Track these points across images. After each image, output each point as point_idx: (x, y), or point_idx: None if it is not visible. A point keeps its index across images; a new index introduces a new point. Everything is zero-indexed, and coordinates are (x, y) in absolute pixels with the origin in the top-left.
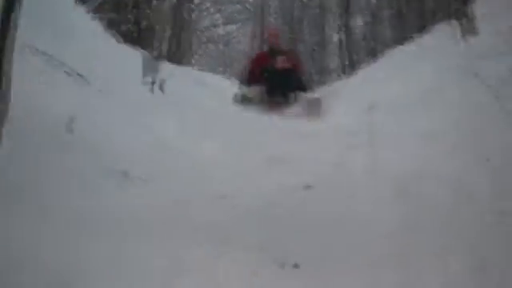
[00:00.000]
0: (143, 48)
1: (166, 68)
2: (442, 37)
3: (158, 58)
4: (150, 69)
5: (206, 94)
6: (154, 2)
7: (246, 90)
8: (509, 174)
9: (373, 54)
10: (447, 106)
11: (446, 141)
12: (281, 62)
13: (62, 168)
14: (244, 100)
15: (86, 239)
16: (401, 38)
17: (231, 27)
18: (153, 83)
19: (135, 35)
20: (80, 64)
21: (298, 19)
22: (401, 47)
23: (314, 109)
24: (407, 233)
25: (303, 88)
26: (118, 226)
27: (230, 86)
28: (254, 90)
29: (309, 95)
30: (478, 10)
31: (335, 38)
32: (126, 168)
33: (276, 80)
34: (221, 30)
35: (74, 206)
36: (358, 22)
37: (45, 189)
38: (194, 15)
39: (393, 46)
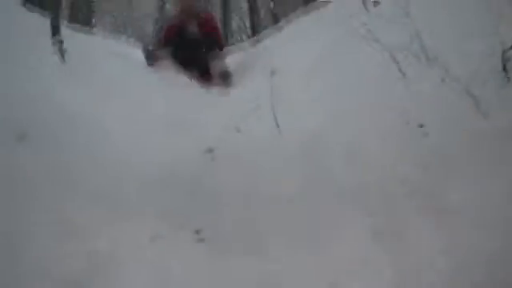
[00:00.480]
0: (44, 10)
1: (67, 32)
2: (343, 3)
3: (58, 21)
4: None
5: (108, 59)
6: None
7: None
8: (401, 136)
9: (274, 16)
10: (346, 71)
11: (343, 104)
12: (190, 31)
13: None
14: (150, 57)
15: None
16: (302, 3)
17: None
18: (53, 44)
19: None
20: None
21: None
22: (302, 10)
23: (225, 81)
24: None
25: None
26: (10, 186)
27: (132, 50)
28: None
29: (219, 66)
30: None
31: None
32: (24, 133)
33: (186, 48)
34: None
35: None
36: None
37: None
38: None
39: (294, 11)
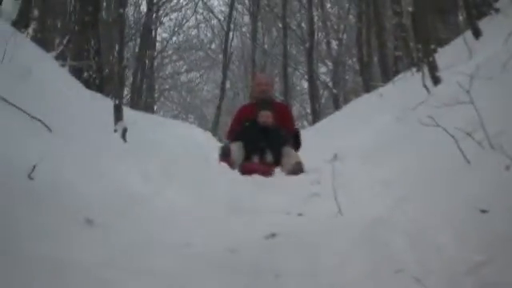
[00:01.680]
0: (105, 95)
1: (129, 115)
2: (404, 86)
3: (121, 105)
4: (113, 116)
5: (169, 141)
6: (116, 50)
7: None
8: (465, 222)
9: (336, 102)
10: (409, 157)
11: (406, 190)
12: (263, 117)
13: (24, 219)
14: (223, 154)
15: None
16: (365, 86)
17: (194, 74)
18: (115, 131)
19: (97, 82)
20: (42, 110)
21: (260, 67)
22: (364, 96)
23: (298, 168)
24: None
25: (281, 146)
26: (84, 274)
27: (192, 133)
28: (234, 146)
29: (290, 158)
30: (440, 59)
31: (299, 85)
32: (90, 216)
33: (256, 135)
34: (183, 77)
35: (39, 256)
36: (321, 69)
37: (10, 240)
38: (156, 62)
39: (356, 95)
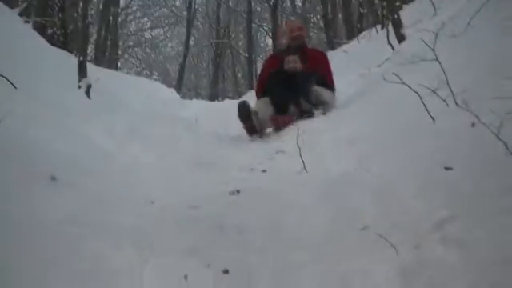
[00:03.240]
0: (69, 52)
1: (93, 72)
2: (368, 43)
3: (85, 61)
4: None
5: (132, 98)
6: (81, 6)
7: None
8: (429, 179)
9: None
10: (374, 115)
11: (370, 147)
12: (289, 63)
13: None
14: (241, 115)
15: (13, 245)
16: (329, 44)
17: (158, 31)
18: (79, 87)
19: (61, 39)
20: (6, 67)
21: (225, 24)
22: (328, 53)
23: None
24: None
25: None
26: (45, 230)
27: (156, 89)
28: (260, 104)
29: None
30: (405, 16)
31: (263, 43)
32: (54, 173)
33: (283, 84)
34: (147, 34)
35: (3, 212)
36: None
37: None
38: (120, 19)
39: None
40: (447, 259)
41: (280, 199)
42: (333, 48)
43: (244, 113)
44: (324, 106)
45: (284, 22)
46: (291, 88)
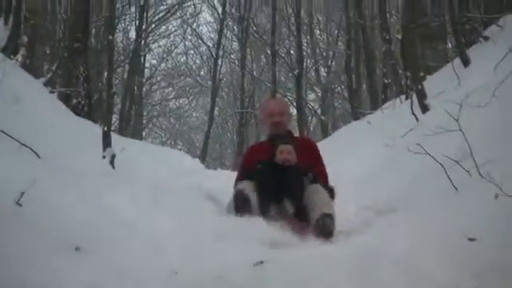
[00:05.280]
0: (94, 121)
1: (117, 142)
2: (392, 113)
3: (109, 131)
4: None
5: (156, 168)
6: (105, 76)
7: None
8: (456, 250)
9: (324, 129)
10: (398, 183)
11: (392, 216)
12: (283, 154)
13: (12, 244)
14: (238, 204)
15: None
16: (353, 114)
17: (183, 101)
18: (104, 157)
19: (86, 109)
20: (31, 136)
21: (249, 93)
22: (352, 123)
23: (323, 232)
24: None
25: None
26: None
27: (180, 159)
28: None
29: (316, 206)
30: (429, 87)
31: None
32: (77, 242)
33: (271, 179)
34: (172, 104)
35: (26, 283)
36: (310, 96)
37: None
38: (144, 89)
39: (345, 122)
40: None
41: (305, 271)
42: (357, 118)
43: (241, 200)
44: (322, 219)
45: (263, 103)
46: (279, 184)
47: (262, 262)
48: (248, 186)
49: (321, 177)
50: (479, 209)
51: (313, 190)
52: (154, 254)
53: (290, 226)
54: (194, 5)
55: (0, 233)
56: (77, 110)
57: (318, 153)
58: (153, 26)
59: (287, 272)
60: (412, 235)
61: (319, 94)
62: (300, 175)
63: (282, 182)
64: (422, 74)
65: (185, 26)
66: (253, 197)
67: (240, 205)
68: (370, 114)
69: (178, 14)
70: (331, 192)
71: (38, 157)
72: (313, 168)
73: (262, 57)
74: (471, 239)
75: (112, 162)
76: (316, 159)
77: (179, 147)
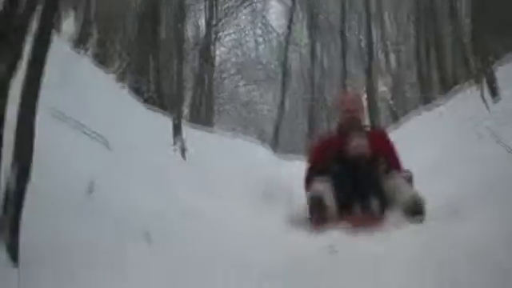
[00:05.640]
0: (165, 110)
1: (188, 132)
2: (462, 101)
3: (180, 124)
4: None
5: (227, 160)
6: (175, 67)
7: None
8: None
9: (394, 116)
10: (468, 170)
11: (464, 204)
12: (356, 144)
13: (83, 234)
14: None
15: None
16: (423, 99)
17: (252, 89)
18: (175, 149)
19: (157, 99)
20: (102, 128)
21: (319, 84)
22: (423, 114)
23: (414, 216)
24: None
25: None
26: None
27: (250, 148)
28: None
29: (403, 192)
30: (498, 75)
31: None
32: (148, 231)
33: (348, 173)
34: (242, 92)
35: (96, 273)
36: (380, 85)
37: (67, 256)
38: (215, 77)
39: (415, 108)
40: None
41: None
42: (426, 103)
43: (318, 205)
44: (412, 200)
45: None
46: (357, 180)
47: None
48: (324, 188)
49: (395, 166)
50: None
51: (393, 181)
52: (222, 244)
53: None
54: None
55: (72, 221)
56: (148, 102)
57: (390, 143)
58: (223, 15)
59: (357, 259)
60: (484, 224)
61: (389, 83)
62: (375, 165)
63: (357, 175)
64: (490, 58)
65: (254, 15)
66: (330, 201)
67: (317, 213)
68: (440, 104)
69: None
70: (409, 180)
71: (109, 148)
72: (386, 158)
73: (332, 46)
74: None
75: (183, 154)
76: (389, 149)
77: (249, 135)
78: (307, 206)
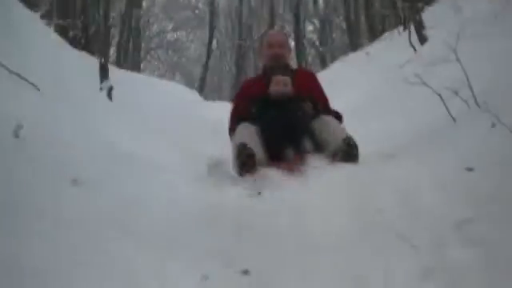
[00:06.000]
0: (91, 54)
1: (115, 74)
2: (390, 44)
3: (107, 63)
4: (99, 75)
5: (154, 100)
6: (103, 8)
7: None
8: (452, 179)
9: (323, 60)
10: (395, 113)
11: (392, 147)
12: (278, 85)
13: (9, 176)
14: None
15: (37, 240)
16: (351, 45)
17: (181, 33)
18: (101, 89)
19: (83, 41)
20: (28, 69)
21: (247, 26)
22: (350, 55)
23: (350, 149)
24: None
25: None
26: (68, 230)
27: (178, 92)
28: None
29: (333, 133)
30: (427, 18)
31: None
32: (76, 175)
33: (274, 116)
34: (170, 36)
35: (30, 220)
36: (308, 28)
37: None
38: (142, 21)
39: (343, 53)
40: (466, 259)
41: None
42: (355, 50)
43: (245, 154)
44: (346, 142)
45: (263, 34)
46: (285, 122)
47: (259, 193)
48: (249, 134)
49: (324, 107)
50: (477, 138)
51: (323, 121)
52: (153, 187)
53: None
54: None
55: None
56: (74, 43)
57: (317, 82)
58: None
59: (287, 206)
60: (411, 165)
61: (317, 26)
62: (302, 106)
63: (284, 119)
64: (420, 4)
65: None
66: (257, 147)
67: (245, 162)
68: (368, 46)
69: None
70: (339, 118)
71: (37, 89)
72: (314, 98)
73: None
74: (469, 169)
75: (110, 94)
76: (317, 89)
77: (177, 79)
78: (233, 155)
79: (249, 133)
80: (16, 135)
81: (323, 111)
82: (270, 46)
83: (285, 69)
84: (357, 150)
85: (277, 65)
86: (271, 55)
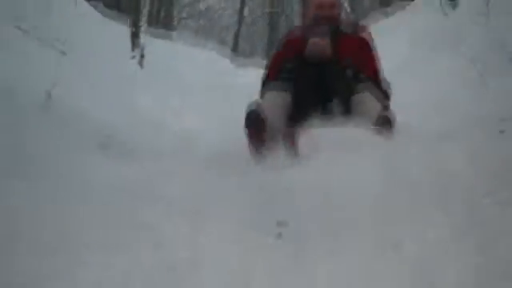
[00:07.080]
0: (123, 19)
1: (147, 42)
2: (420, 10)
3: (138, 32)
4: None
5: (186, 69)
6: None
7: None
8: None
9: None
10: (424, 80)
11: (421, 113)
12: (315, 45)
13: (41, 142)
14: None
15: (70, 210)
16: (379, 6)
17: (213, 1)
18: (133, 57)
19: (114, 9)
20: (58, 35)
21: None
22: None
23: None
24: None
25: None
26: (100, 196)
27: (210, 60)
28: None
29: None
30: None
31: None
32: (106, 141)
33: (308, 78)
34: (201, 5)
35: (54, 177)
36: None
37: (26, 162)
38: None
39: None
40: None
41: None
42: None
43: (255, 120)
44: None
45: None
46: (317, 84)
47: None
48: (272, 100)
49: (369, 74)
50: (509, 101)
51: (360, 98)
52: (183, 156)
53: None
54: None
55: (28, 131)
56: (105, 12)
57: (366, 49)
58: None
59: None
60: (441, 130)
61: None
62: (339, 72)
63: (318, 80)
64: None
65: None
66: (274, 115)
67: (253, 130)
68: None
69: None
70: (385, 94)
71: (64, 53)
72: (356, 62)
73: None
74: (501, 131)
75: (141, 62)
76: (363, 55)
77: (210, 46)
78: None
79: (273, 98)
80: (49, 95)
81: (366, 80)
82: (320, 7)
83: (332, 34)
84: (390, 125)
85: (327, 23)
86: (321, 18)
